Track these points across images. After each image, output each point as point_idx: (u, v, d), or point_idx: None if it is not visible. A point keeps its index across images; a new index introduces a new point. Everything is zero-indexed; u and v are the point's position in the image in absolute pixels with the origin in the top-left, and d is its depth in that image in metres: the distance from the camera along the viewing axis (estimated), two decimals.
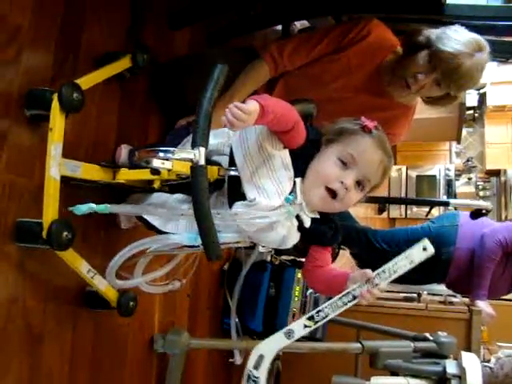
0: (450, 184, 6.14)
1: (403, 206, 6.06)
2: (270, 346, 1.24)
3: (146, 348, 1.74)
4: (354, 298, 1.13)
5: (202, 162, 0.96)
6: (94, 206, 1.19)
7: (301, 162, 1.14)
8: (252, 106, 1.01)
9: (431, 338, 1.84)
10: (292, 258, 2.38)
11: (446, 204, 2.72)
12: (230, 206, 1.13)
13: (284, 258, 2.39)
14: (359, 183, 1.13)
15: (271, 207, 1.10)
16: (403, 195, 6.07)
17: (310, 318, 1.20)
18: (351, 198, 1.13)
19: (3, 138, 1.16)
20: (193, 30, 1.87)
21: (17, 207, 1.20)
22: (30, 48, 1.22)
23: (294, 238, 1.18)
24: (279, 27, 2.35)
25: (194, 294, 2.04)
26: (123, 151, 1.48)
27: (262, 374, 1.21)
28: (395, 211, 5.97)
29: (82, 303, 1.42)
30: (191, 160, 0.97)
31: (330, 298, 2.19)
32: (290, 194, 1.12)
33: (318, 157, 1.14)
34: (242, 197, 1.11)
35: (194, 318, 2.06)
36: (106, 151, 1.49)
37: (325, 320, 1.19)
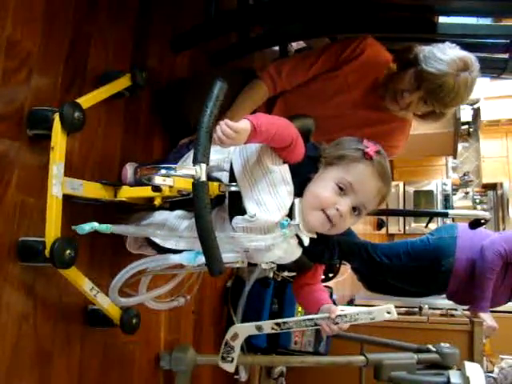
0: (447, 198, 6.18)
1: (401, 222, 6.10)
2: (244, 330, 1.40)
3: (152, 365, 1.75)
4: (315, 324, 1.22)
5: (204, 178, 0.98)
6: (96, 225, 1.21)
7: (299, 179, 1.15)
8: (242, 124, 1.03)
9: (434, 350, 1.86)
10: (294, 274, 2.40)
11: (444, 215, 2.75)
12: (231, 222, 1.15)
13: (286, 274, 2.41)
14: (355, 209, 1.14)
15: (271, 222, 1.12)
16: None
17: (277, 324, 1.28)
18: (346, 223, 1.15)
19: (15, 159, 1.20)
20: (193, 52, 1.93)
21: (26, 227, 1.23)
22: (40, 71, 1.26)
23: (294, 254, 1.21)
24: (277, 48, 2.42)
25: (198, 311, 2.06)
26: (129, 170, 1.51)
27: (237, 345, 1.40)
28: (394, 227, 6.01)
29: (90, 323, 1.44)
30: (193, 176, 0.98)
31: None
32: (285, 218, 1.13)
33: (317, 178, 1.15)
34: (243, 212, 1.13)
35: (199, 334, 2.07)
36: (111, 171, 1.52)
37: (288, 330, 1.30)
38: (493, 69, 2.02)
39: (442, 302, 3.18)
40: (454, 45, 1.66)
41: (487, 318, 2.34)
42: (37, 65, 1.25)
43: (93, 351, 1.47)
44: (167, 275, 1.59)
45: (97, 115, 1.46)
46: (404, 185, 6.18)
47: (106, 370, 1.52)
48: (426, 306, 3.16)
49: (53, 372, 1.32)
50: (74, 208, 1.32)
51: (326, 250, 1.26)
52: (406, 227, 5.99)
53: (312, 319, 1.22)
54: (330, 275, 2.43)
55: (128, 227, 1.36)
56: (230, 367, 1.44)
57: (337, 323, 1.16)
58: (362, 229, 5.16)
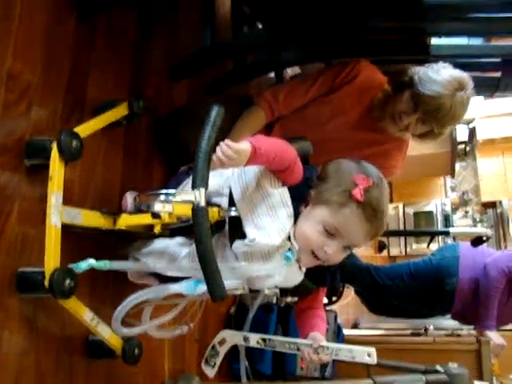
0: (447, 218, 6.17)
1: (403, 244, 6.08)
2: (231, 338, 1.43)
3: None
4: (298, 350, 1.24)
5: (203, 203, 0.97)
6: (93, 262, 1.20)
7: (298, 201, 1.15)
8: (243, 145, 1.04)
9: (442, 371, 1.83)
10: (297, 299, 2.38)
11: (445, 233, 2.75)
12: (232, 247, 1.15)
13: (290, 300, 2.39)
14: (346, 246, 1.13)
15: (272, 246, 1.11)
16: None
17: (263, 340, 1.33)
18: (337, 259, 1.15)
19: (15, 191, 1.21)
20: (191, 81, 1.95)
21: (27, 259, 1.23)
22: (39, 103, 1.28)
23: (296, 279, 1.21)
24: (272, 75, 2.45)
25: (202, 339, 2.03)
26: (129, 199, 1.51)
27: (222, 350, 1.44)
28: (395, 249, 5.98)
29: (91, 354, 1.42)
30: (192, 202, 0.98)
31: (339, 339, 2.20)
32: (288, 251, 1.13)
33: (306, 215, 1.14)
34: (244, 237, 1.13)
35: None
36: (112, 201, 1.52)
37: (272, 348, 1.33)
38: (486, 87, 2.04)
39: (448, 322, 3.16)
40: (447, 64, 1.69)
41: (494, 336, 2.32)
42: (36, 96, 1.27)
43: (96, 383, 1.45)
44: (169, 304, 1.58)
45: (96, 145, 1.47)
46: (403, 206, 6.18)
47: None
48: (431, 327, 3.13)
49: None
50: (74, 239, 1.32)
51: (327, 273, 1.25)
52: (408, 249, 5.96)
53: (295, 343, 1.24)
54: (334, 298, 2.42)
55: (127, 263, 1.36)
56: (210, 372, 1.46)
57: (318, 353, 1.17)
58: (364, 252, 5.15)
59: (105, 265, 1.22)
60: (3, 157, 1.19)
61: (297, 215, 1.14)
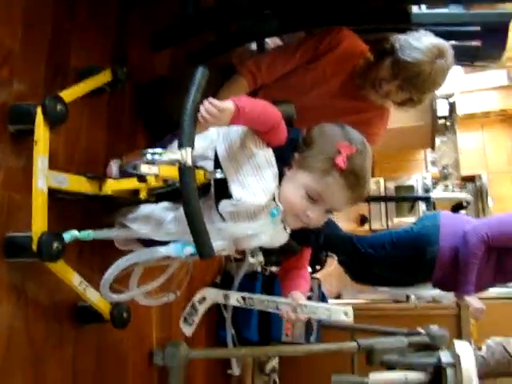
0: (427, 192, 6.24)
1: (384, 218, 6.14)
2: (211, 295, 1.49)
3: (145, 362, 1.76)
4: (277, 308, 1.27)
5: (190, 162, 0.98)
6: (76, 233, 1.22)
7: (282, 162, 1.16)
8: (226, 104, 1.05)
9: (424, 332, 1.90)
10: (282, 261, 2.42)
11: (427, 199, 2.80)
12: (218, 209, 1.16)
13: (274, 269, 2.43)
14: (327, 210, 1.16)
15: (257, 205, 1.13)
16: (383, 207, 6.14)
17: (243, 298, 1.38)
18: (319, 222, 1.18)
19: (2, 157, 1.21)
20: (173, 50, 1.94)
21: (14, 224, 1.23)
22: (21, 69, 1.27)
23: (281, 239, 1.23)
24: (254, 47, 2.44)
25: None
26: (113, 167, 1.51)
27: (202, 308, 1.49)
28: (377, 222, 6.03)
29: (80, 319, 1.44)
30: (178, 161, 0.99)
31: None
32: (274, 208, 1.15)
33: (290, 179, 1.15)
34: (229, 198, 1.14)
35: None
36: (96, 169, 1.52)
37: (250, 307, 1.39)
38: (466, 56, 2.06)
39: (428, 292, 3.23)
40: (428, 32, 1.71)
41: (473, 301, 2.37)
42: (18, 63, 1.26)
43: (86, 349, 1.47)
44: (156, 271, 1.59)
45: (80, 114, 1.47)
46: (385, 181, 6.23)
47: (101, 367, 1.52)
48: (413, 297, 3.20)
49: (47, 371, 1.33)
50: (60, 207, 1.33)
51: (312, 234, 1.28)
52: (389, 222, 6.02)
53: (275, 302, 1.28)
54: (317, 267, 2.46)
55: (111, 231, 1.36)
56: (188, 330, 1.50)
57: (296, 312, 1.20)
58: (345, 225, 5.20)
59: (88, 235, 1.24)
60: None
61: (281, 176, 1.16)
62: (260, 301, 1.32)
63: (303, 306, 1.20)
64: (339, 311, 1.16)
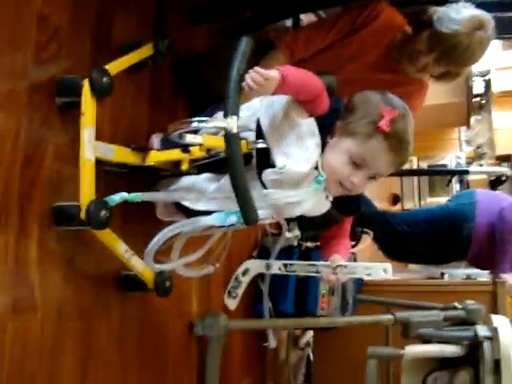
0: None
1: (417, 197, 6.09)
2: (254, 266, 1.53)
3: (186, 332, 1.80)
4: (317, 272, 1.29)
5: (235, 130, 1.01)
6: (126, 195, 1.25)
7: (324, 131, 1.18)
8: (272, 72, 1.07)
9: (460, 307, 1.90)
10: (318, 244, 2.43)
11: (465, 172, 2.79)
12: (261, 178, 1.19)
13: (309, 244, 2.44)
14: (371, 176, 1.18)
15: (301, 173, 1.15)
16: (416, 186, 6.09)
17: (284, 265, 1.42)
18: (363, 188, 1.21)
19: (49, 129, 1.25)
20: (210, 25, 1.96)
21: (64, 195, 1.27)
22: (68, 45, 1.31)
23: (323, 207, 1.25)
24: (289, 23, 2.44)
25: (226, 283, 2.10)
26: (155, 140, 1.54)
27: (245, 280, 1.52)
28: (409, 202, 5.99)
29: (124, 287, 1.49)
30: (224, 128, 1.01)
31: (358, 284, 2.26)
32: (319, 175, 1.17)
33: (333, 146, 1.17)
34: (272, 167, 1.16)
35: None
36: (139, 142, 1.56)
37: (292, 273, 1.43)
38: (508, 29, 2.02)
39: (462, 271, 3.22)
40: (468, 4, 1.68)
41: (509, 278, 2.36)
42: (65, 38, 1.30)
43: (131, 318, 1.53)
44: (196, 244, 1.63)
45: (123, 88, 1.50)
46: (418, 160, 6.16)
47: (144, 335, 1.58)
48: (447, 275, 3.20)
49: (94, 335, 1.38)
50: (105, 179, 1.37)
51: (352, 203, 1.29)
52: (422, 202, 5.97)
53: (315, 265, 1.30)
54: (353, 243, 2.46)
55: (157, 194, 1.41)
56: (232, 303, 1.53)
57: (336, 273, 1.21)
58: (378, 205, 5.16)
59: (136, 196, 1.27)
60: (37, 96, 1.22)
61: (324, 146, 1.17)
62: (301, 266, 1.36)
63: (342, 266, 1.22)
64: (379, 268, 1.18)
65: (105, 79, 1.25)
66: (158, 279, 1.45)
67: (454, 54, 1.64)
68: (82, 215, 1.20)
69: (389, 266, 1.16)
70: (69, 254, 1.30)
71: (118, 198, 1.24)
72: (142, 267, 1.40)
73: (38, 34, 1.22)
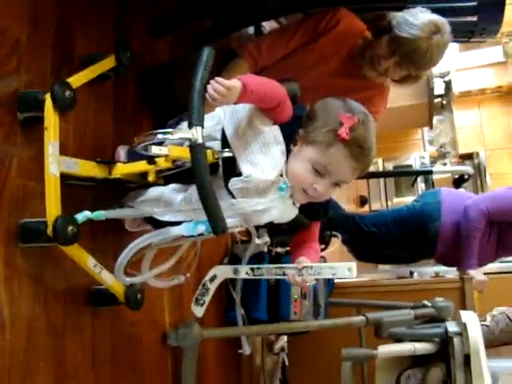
0: None
1: (384, 198, 6.18)
2: (222, 272, 1.51)
3: (159, 343, 1.79)
4: (284, 274, 1.29)
5: (200, 140, 1.01)
6: (89, 213, 1.24)
7: (288, 139, 1.18)
8: (233, 82, 1.08)
9: (429, 304, 1.94)
10: (287, 249, 2.45)
11: (428, 172, 2.84)
12: (228, 186, 1.19)
13: (279, 249, 2.46)
14: (335, 183, 1.18)
15: (267, 181, 1.16)
16: (382, 187, 6.19)
17: (252, 270, 1.40)
18: (327, 195, 1.21)
19: (12, 145, 1.23)
20: (173, 36, 1.96)
21: (29, 211, 1.25)
22: (29, 58, 1.29)
23: (291, 214, 1.26)
24: (251, 31, 2.46)
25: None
26: (121, 152, 1.54)
27: (212, 286, 1.51)
28: (377, 203, 6.09)
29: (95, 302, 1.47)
30: (189, 139, 1.01)
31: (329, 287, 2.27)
32: (283, 182, 1.18)
33: (296, 154, 1.18)
34: (238, 175, 1.17)
35: None
36: (105, 155, 1.55)
37: (259, 277, 1.42)
38: (462, 32, 2.07)
39: (431, 269, 3.28)
40: (424, 9, 1.73)
41: (476, 274, 2.42)
42: (25, 52, 1.28)
43: (102, 332, 1.50)
44: (165, 254, 1.62)
45: (86, 102, 1.49)
46: (383, 161, 6.26)
47: (117, 349, 1.55)
48: (416, 274, 3.26)
49: (67, 356, 1.35)
50: (71, 194, 1.35)
51: (320, 208, 1.31)
52: (389, 203, 6.07)
53: (281, 268, 1.30)
54: (322, 246, 2.49)
55: (122, 211, 1.40)
56: (199, 311, 1.52)
57: (302, 275, 1.22)
58: (346, 207, 5.22)
59: (99, 214, 1.26)
60: None
61: (288, 153, 1.19)
62: (268, 269, 1.35)
63: (308, 267, 1.22)
64: (343, 267, 1.17)
65: (67, 93, 1.23)
66: (129, 292, 1.44)
67: (413, 58, 1.69)
68: (49, 231, 1.18)
69: (353, 264, 1.15)
70: (37, 270, 1.28)
71: (80, 217, 1.23)
72: (113, 281, 1.38)
73: None
